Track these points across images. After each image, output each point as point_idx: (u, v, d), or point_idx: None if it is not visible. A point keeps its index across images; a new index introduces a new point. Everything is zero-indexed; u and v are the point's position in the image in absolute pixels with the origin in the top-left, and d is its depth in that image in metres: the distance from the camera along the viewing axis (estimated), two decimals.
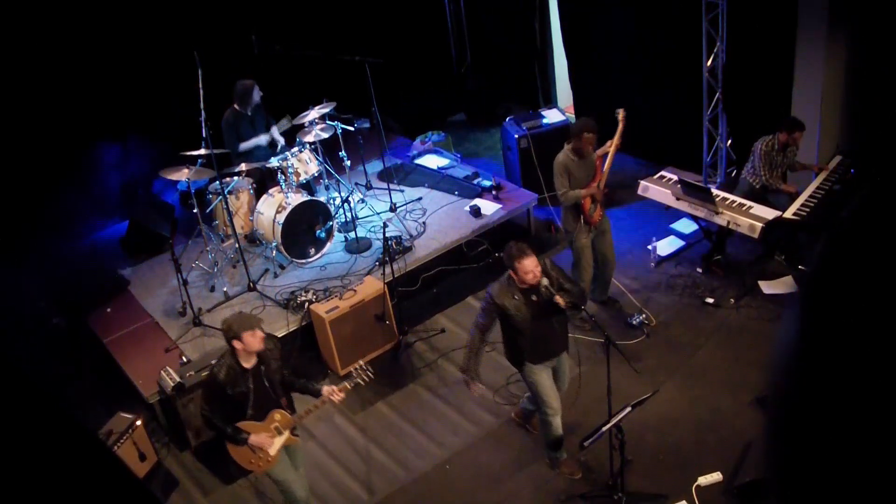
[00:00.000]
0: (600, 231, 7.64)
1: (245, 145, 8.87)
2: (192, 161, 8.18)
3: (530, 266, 5.71)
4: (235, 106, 8.80)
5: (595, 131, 7.20)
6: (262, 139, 8.97)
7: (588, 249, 7.57)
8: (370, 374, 6.01)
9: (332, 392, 5.76)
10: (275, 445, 5.73)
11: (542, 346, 6.08)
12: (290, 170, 8.47)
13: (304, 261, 8.59)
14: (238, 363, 5.52)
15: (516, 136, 9.45)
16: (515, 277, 5.82)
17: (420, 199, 9.45)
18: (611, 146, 7.50)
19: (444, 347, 7.94)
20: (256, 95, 8.84)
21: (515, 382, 7.30)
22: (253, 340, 5.46)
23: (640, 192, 8.43)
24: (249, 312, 7.11)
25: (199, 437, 7.02)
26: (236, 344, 5.46)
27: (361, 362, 6.09)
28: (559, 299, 5.74)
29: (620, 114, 7.55)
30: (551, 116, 9.74)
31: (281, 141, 9.05)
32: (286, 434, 5.79)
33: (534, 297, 5.86)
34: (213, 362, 5.61)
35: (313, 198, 8.69)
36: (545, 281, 5.77)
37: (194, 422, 6.94)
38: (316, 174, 8.82)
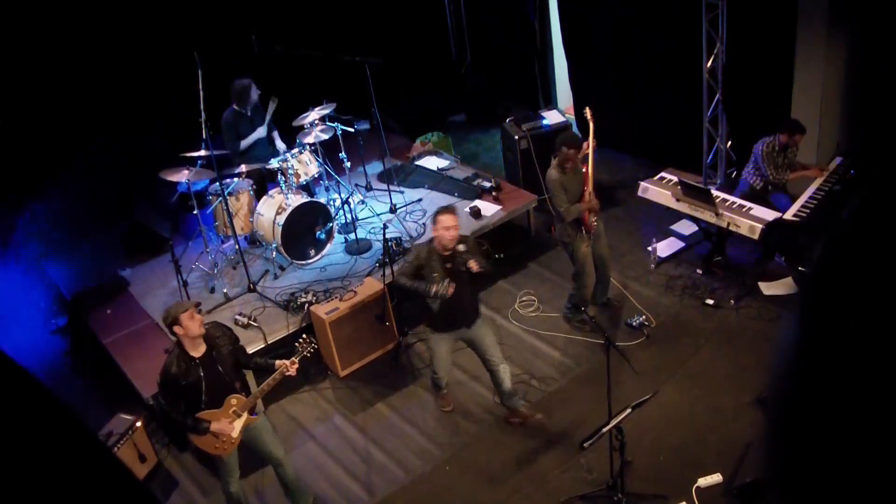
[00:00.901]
0: (596, 235, 7.64)
1: (245, 142, 8.88)
2: (192, 162, 8.18)
3: (449, 221, 6.18)
4: (234, 106, 8.81)
5: (573, 145, 7.20)
6: (260, 131, 8.96)
7: (590, 257, 7.58)
8: (315, 346, 6.21)
9: (286, 365, 5.85)
10: (236, 429, 5.85)
11: (447, 317, 6.53)
12: (290, 171, 8.48)
13: (304, 262, 8.59)
14: (186, 353, 5.63)
15: (516, 136, 9.45)
16: (435, 236, 6.27)
17: (420, 200, 9.45)
18: (587, 149, 7.49)
19: None
20: (254, 94, 8.85)
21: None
22: (191, 324, 5.57)
23: (640, 193, 8.44)
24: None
25: None
26: (177, 330, 5.57)
27: (305, 335, 6.25)
28: (473, 263, 6.17)
29: (587, 112, 7.57)
30: (551, 117, 9.74)
31: (282, 148, 9.06)
32: (245, 416, 5.89)
33: (448, 265, 6.29)
34: (165, 363, 5.70)
35: (313, 199, 8.69)
36: (462, 247, 6.24)
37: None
38: (316, 175, 8.82)
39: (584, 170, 7.41)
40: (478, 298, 6.82)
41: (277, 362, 5.90)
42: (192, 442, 5.91)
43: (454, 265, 6.30)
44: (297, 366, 5.93)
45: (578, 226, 7.41)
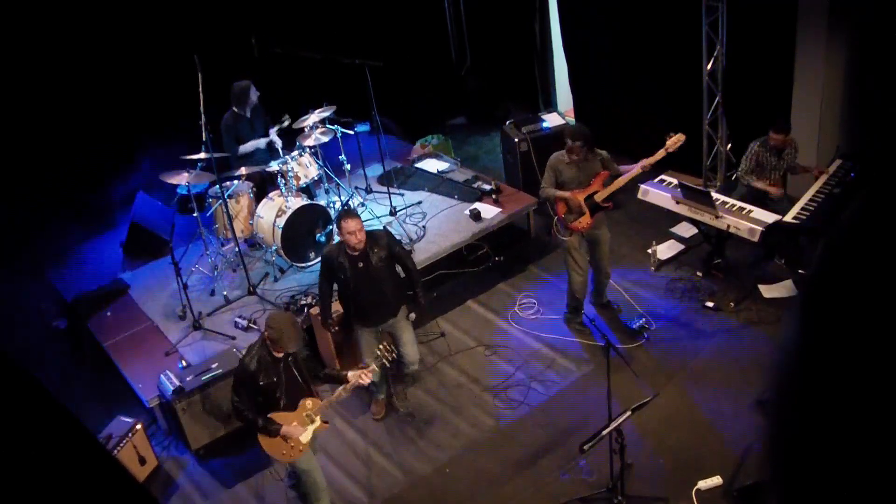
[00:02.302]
0: (594, 241, 7.60)
1: (244, 148, 8.88)
2: (192, 165, 8.18)
3: (353, 226, 6.39)
4: (234, 108, 8.82)
5: (577, 138, 7.15)
6: (261, 142, 8.98)
7: (575, 251, 7.52)
8: (394, 355, 6.24)
9: (359, 375, 5.91)
10: (307, 433, 5.85)
11: (366, 311, 6.72)
12: (289, 173, 8.48)
13: (304, 264, 8.58)
14: (269, 353, 5.68)
15: (516, 139, 9.45)
16: (342, 239, 6.47)
17: (420, 202, 9.45)
18: (636, 166, 7.36)
19: (444, 351, 7.94)
20: (253, 96, 8.85)
21: (515, 386, 7.31)
22: (283, 348, 5.72)
23: (639, 195, 8.43)
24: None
25: (200, 440, 7.02)
26: (268, 339, 5.67)
27: (385, 343, 6.27)
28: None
29: (672, 139, 7.39)
30: (551, 120, 9.75)
31: (279, 143, 9.04)
32: (318, 421, 5.92)
33: (360, 265, 6.54)
34: (242, 352, 5.79)
35: (313, 201, 8.69)
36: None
37: (195, 426, 6.95)
38: (316, 178, 8.82)
39: (600, 171, 7.36)
40: (402, 295, 6.95)
41: (350, 374, 5.95)
42: (260, 445, 5.90)
43: (366, 264, 6.54)
44: (372, 375, 6.02)
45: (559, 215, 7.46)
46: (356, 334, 6.94)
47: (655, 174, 8.52)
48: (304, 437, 5.84)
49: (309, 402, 5.89)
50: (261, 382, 5.66)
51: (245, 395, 5.74)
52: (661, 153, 7.37)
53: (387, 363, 6.20)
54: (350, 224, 6.41)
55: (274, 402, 5.75)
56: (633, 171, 7.38)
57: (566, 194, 7.31)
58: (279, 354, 5.72)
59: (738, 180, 8.28)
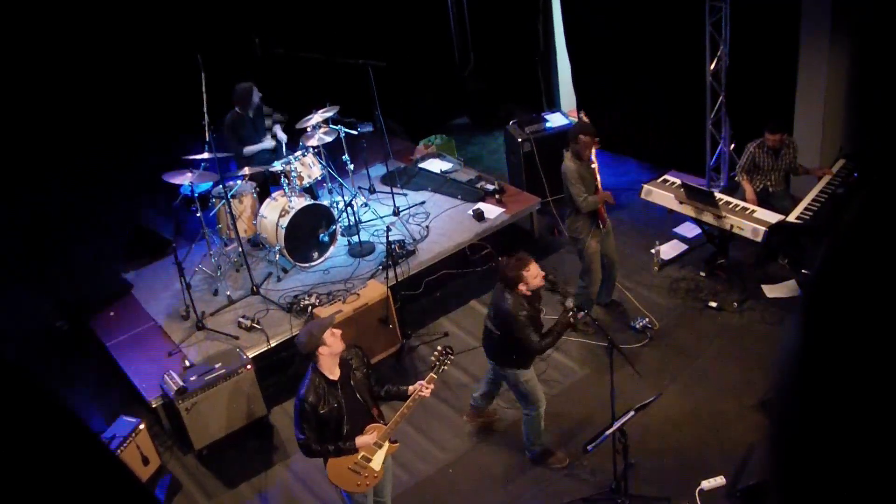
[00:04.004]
0: (605, 234, 7.65)
1: (249, 149, 8.92)
2: (195, 165, 8.19)
3: (536, 269, 5.99)
4: (236, 109, 8.84)
5: (589, 133, 7.23)
6: (266, 144, 9.01)
7: (598, 255, 7.57)
8: (452, 357, 5.71)
9: (419, 388, 5.49)
10: (378, 461, 5.49)
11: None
12: (293, 174, 8.48)
13: (307, 264, 8.59)
14: (324, 378, 5.31)
15: (519, 139, 9.45)
16: (524, 287, 5.95)
17: (423, 202, 9.45)
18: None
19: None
20: (255, 97, 8.88)
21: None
22: (335, 340, 5.29)
23: (643, 195, 8.42)
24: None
25: (202, 441, 7.02)
26: (322, 350, 5.26)
27: (440, 347, 5.74)
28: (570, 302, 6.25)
29: (584, 116, 7.50)
30: (554, 120, 9.74)
31: (283, 138, 9.06)
32: (386, 445, 5.52)
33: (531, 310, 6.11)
34: (301, 391, 5.29)
35: (316, 202, 8.69)
36: (570, 302, 6.24)
37: (198, 426, 6.95)
38: (319, 178, 8.83)
39: (592, 165, 7.42)
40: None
41: (410, 388, 5.52)
42: (331, 481, 5.53)
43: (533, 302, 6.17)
44: (433, 386, 5.53)
45: (593, 219, 7.42)
46: (530, 378, 6.36)
47: (658, 174, 8.53)
48: (376, 464, 5.47)
49: (374, 432, 5.46)
50: (322, 412, 5.25)
51: (310, 430, 5.31)
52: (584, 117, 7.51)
53: (445, 367, 5.67)
54: (534, 268, 6.00)
55: (339, 429, 5.36)
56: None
57: (606, 196, 7.40)
58: (333, 377, 5.34)
59: (765, 190, 8.23)
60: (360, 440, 5.39)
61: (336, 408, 5.32)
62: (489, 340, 6.39)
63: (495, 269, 6.90)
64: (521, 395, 6.40)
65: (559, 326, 6.09)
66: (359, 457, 5.43)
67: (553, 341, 6.13)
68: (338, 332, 5.36)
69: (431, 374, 5.57)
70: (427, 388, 5.50)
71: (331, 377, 5.33)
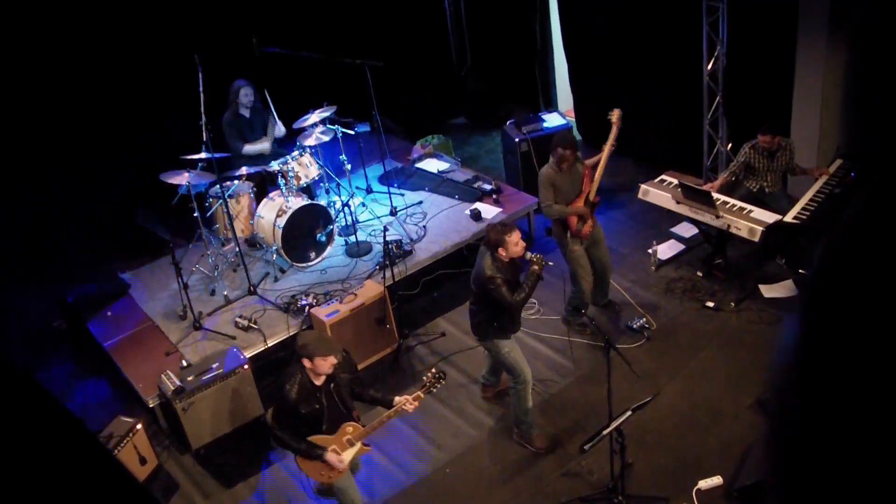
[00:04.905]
0: (594, 241, 7.63)
1: (248, 148, 8.94)
2: (192, 165, 8.18)
3: (518, 238, 6.21)
4: (233, 108, 8.87)
5: (569, 147, 7.24)
6: (265, 147, 9.04)
7: (583, 257, 7.56)
8: (443, 380, 5.92)
9: (404, 402, 5.68)
10: (346, 458, 5.69)
11: (517, 319, 6.55)
12: (290, 173, 8.48)
13: (304, 264, 8.58)
14: (310, 381, 5.52)
15: (517, 139, 9.46)
16: (504, 253, 6.19)
17: (420, 202, 9.45)
18: (603, 152, 7.48)
19: (445, 351, 7.94)
20: (245, 96, 8.89)
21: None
22: (324, 365, 5.48)
23: (640, 195, 8.43)
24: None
25: (200, 440, 7.02)
26: (305, 363, 5.48)
27: (434, 369, 5.94)
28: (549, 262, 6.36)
29: (615, 114, 7.53)
30: (552, 120, 9.75)
31: (282, 132, 9.09)
32: (358, 445, 5.76)
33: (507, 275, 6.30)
34: (286, 386, 5.50)
35: (314, 201, 8.69)
36: (529, 254, 6.33)
37: (195, 426, 6.95)
38: (316, 178, 8.83)
39: (584, 172, 7.41)
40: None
41: (396, 399, 5.73)
42: (298, 466, 5.78)
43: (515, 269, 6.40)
44: (418, 403, 5.75)
45: (564, 228, 7.45)
46: (508, 350, 6.54)
47: (655, 174, 8.53)
48: (344, 464, 5.70)
49: (349, 428, 5.69)
50: (302, 412, 5.49)
51: (286, 424, 5.55)
52: (615, 130, 7.48)
53: (434, 389, 5.91)
54: (515, 236, 6.23)
55: (317, 430, 5.62)
56: (604, 156, 7.49)
57: (579, 210, 7.35)
58: (319, 382, 5.55)
59: (739, 181, 8.28)
60: (328, 455, 5.58)
61: (317, 409, 5.53)
62: (472, 318, 6.67)
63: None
64: (506, 367, 6.65)
65: (530, 279, 6.27)
66: (330, 449, 5.61)
67: (527, 295, 6.29)
68: (332, 360, 5.52)
69: (419, 392, 5.78)
70: (412, 405, 5.68)
71: (317, 382, 5.55)
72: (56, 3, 8.95)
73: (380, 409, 5.95)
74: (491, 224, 6.55)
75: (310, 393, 5.50)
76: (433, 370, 5.92)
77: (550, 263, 6.28)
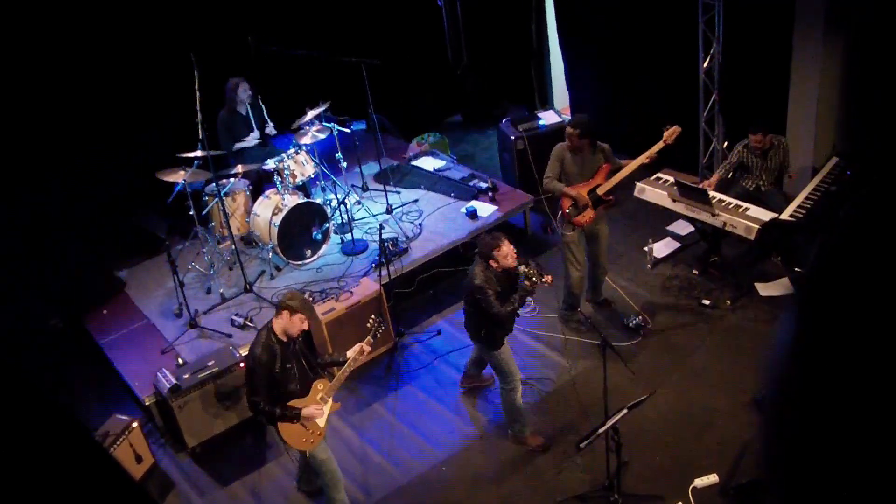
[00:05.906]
0: (592, 234, 7.63)
1: (238, 145, 8.92)
2: (188, 163, 8.17)
3: (508, 250, 6.16)
4: (229, 105, 8.86)
5: (577, 127, 7.22)
6: (255, 136, 9.00)
7: (575, 246, 7.56)
8: (384, 326, 6.32)
9: (357, 351, 5.95)
10: (324, 415, 5.89)
11: (507, 327, 6.56)
12: (286, 171, 8.47)
13: (300, 262, 8.58)
14: (278, 341, 5.68)
15: (512, 137, 9.46)
16: (495, 264, 6.18)
17: (416, 200, 9.45)
18: (637, 158, 7.41)
19: (441, 349, 7.95)
20: (243, 93, 8.88)
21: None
22: (300, 325, 5.70)
23: (636, 193, 8.43)
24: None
25: (196, 438, 7.01)
26: (284, 315, 5.66)
27: (374, 316, 6.30)
28: (547, 278, 6.21)
29: (670, 130, 7.38)
30: (547, 118, 9.76)
31: (273, 132, 9.09)
32: (330, 401, 5.96)
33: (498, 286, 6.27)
34: (256, 351, 5.68)
35: (309, 199, 8.69)
36: (523, 268, 6.24)
37: (191, 424, 6.94)
38: (312, 176, 8.82)
39: (604, 165, 7.40)
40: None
41: (348, 353, 5.99)
42: (281, 438, 5.86)
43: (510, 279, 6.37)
44: (370, 348, 6.10)
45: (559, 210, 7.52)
46: (505, 357, 6.56)
47: (652, 172, 8.53)
48: (322, 421, 5.87)
49: (320, 385, 5.92)
50: (276, 371, 5.63)
51: (261, 389, 5.64)
52: (660, 145, 7.41)
53: (378, 334, 6.19)
54: (505, 249, 6.20)
55: (289, 391, 5.75)
56: (635, 163, 7.43)
57: (573, 192, 7.33)
58: (286, 339, 5.71)
59: (735, 179, 8.30)
60: (306, 410, 5.75)
61: (288, 368, 5.71)
62: (465, 316, 6.71)
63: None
64: (495, 368, 6.67)
65: (519, 293, 6.27)
66: (310, 409, 5.80)
67: (515, 308, 6.28)
68: (306, 326, 5.76)
69: (368, 338, 6.07)
70: (366, 349, 6.02)
71: (284, 339, 5.74)
72: (55, 3, 8.93)
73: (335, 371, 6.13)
74: (482, 235, 6.62)
75: (277, 352, 5.66)
76: (373, 317, 6.27)
77: (547, 281, 6.19)
